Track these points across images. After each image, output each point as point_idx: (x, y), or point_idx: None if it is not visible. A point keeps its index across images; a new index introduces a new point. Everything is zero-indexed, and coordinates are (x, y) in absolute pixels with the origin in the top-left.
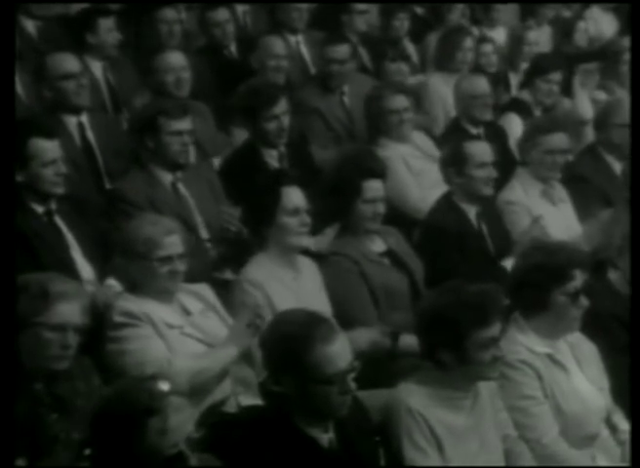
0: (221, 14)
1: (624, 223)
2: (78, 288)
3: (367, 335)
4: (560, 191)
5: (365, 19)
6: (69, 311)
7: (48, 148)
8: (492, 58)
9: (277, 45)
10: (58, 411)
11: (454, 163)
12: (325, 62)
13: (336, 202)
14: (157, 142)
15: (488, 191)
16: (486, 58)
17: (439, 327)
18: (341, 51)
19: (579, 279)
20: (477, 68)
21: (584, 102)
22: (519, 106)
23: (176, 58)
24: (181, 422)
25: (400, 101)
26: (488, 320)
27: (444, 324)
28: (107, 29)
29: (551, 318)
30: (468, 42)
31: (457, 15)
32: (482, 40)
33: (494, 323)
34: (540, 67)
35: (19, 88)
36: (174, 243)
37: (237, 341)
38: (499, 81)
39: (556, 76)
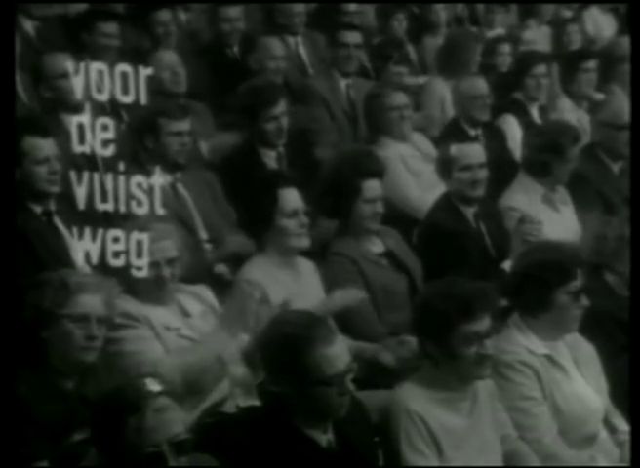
0: (234, 10)
1: (619, 225)
2: (99, 280)
3: (341, 297)
4: (562, 194)
5: (360, 19)
6: (90, 302)
7: (40, 146)
8: (507, 59)
9: (276, 46)
10: (83, 413)
11: (442, 165)
12: (335, 47)
13: (335, 203)
14: (156, 143)
15: (477, 193)
16: (502, 57)
17: (426, 318)
18: (352, 36)
19: (580, 278)
20: (489, 67)
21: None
22: (515, 107)
23: (168, 56)
24: (163, 423)
25: (400, 99)
26: (473, 314)
27: (430, 314)
28: (105, 34)
29: (552, 318)
30: (479, 47)
31: (449, 14)
32: (500, 40)
33: (479, 318)
34: (522, 65)
35: (20, 88)
36: (162, 248)
37: (227, 328)
38: (507, 81)
39: (540, 70)
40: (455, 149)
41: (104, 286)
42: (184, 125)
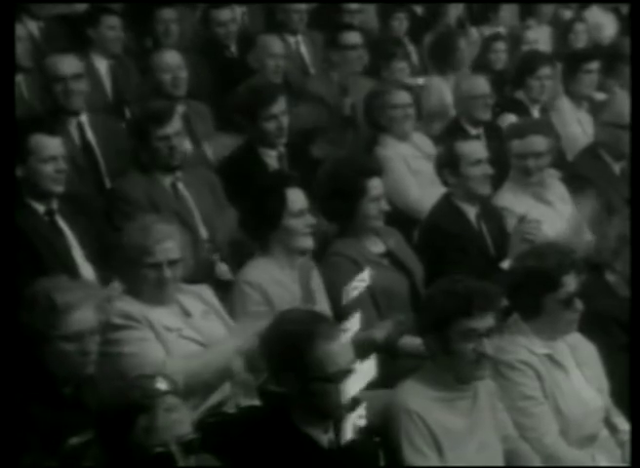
0: (225, 13)
1: (620, 225)
2: (84, 291)
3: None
4: (558, 190)
5: (360, 19)
6: (81, 318)
7: (48, 145)
8: (501, 56)
9: (275, 44)
10: (79, 418)
11: (448, 163)
12: (335, 47)
13: (340, 204)
14: (148, 147)
15: (485, 189)
16: (495, 54)
17: (428, 312)
18: (353, 36)
19: (571, 284)
20: (483, 64)
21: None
22: (516, 106)
23: (172, 57)
24: (173, 422)
25: (403, 97)
26: (470, 311)
27: (432, 309)
28: (110, 26)
29: (546, 322)
30: (462, 43)
31: (453, 14)
32: (495, 37)
33: (478, 316)
34: (527, 65)
35: (23, 89)
36: (165, 249)
37: (236, 338)
38: (504, 79)
39: (545, 71)
40: (462, 146)
41: (92, 295)
42: (170, 128)
